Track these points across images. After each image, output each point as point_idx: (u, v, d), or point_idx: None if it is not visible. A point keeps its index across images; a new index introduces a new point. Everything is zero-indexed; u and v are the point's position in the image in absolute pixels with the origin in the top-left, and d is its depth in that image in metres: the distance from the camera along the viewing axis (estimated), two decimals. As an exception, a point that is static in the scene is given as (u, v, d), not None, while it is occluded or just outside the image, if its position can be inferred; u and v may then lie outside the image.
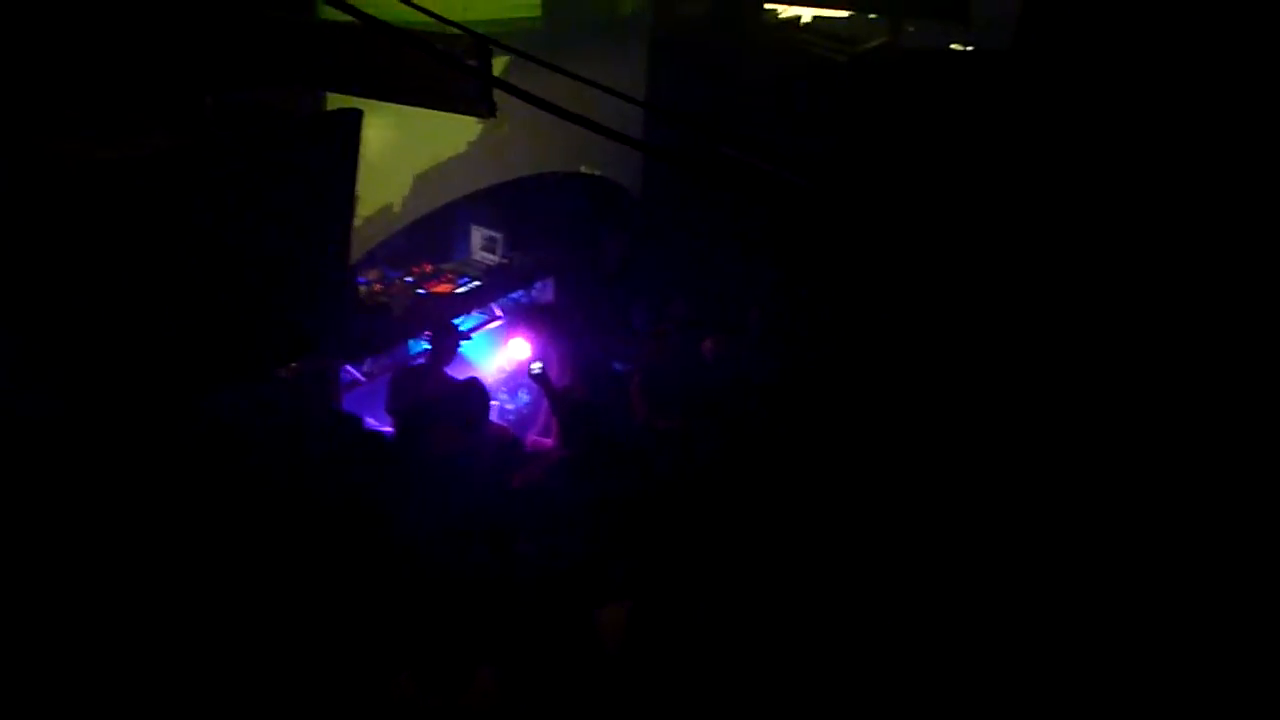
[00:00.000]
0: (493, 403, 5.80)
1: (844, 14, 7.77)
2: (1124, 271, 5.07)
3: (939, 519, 4.47)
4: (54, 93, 3.58)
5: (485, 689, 3.41)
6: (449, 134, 6.06)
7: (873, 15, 7.56)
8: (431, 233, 6.87)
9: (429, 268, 6.97)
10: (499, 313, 7.31)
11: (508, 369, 7.05)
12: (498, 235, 7.15)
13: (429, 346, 6.37)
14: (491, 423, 5.66)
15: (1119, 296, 5.01)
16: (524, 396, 7.23)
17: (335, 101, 4.48)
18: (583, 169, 7.25)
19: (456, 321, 6.56)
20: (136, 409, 4.14)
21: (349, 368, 6.17)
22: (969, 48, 7.28)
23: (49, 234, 3.53)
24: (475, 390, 5.43)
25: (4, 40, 3.49)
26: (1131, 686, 3.52)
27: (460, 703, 3.35)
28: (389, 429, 5.85)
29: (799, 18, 7.87)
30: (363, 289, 6.38)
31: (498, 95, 3.35)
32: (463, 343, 6.40)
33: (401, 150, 5.68)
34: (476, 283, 6.91)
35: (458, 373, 6.08)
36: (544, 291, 7.61)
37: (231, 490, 4.45)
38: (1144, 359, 4.79)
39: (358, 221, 5.29)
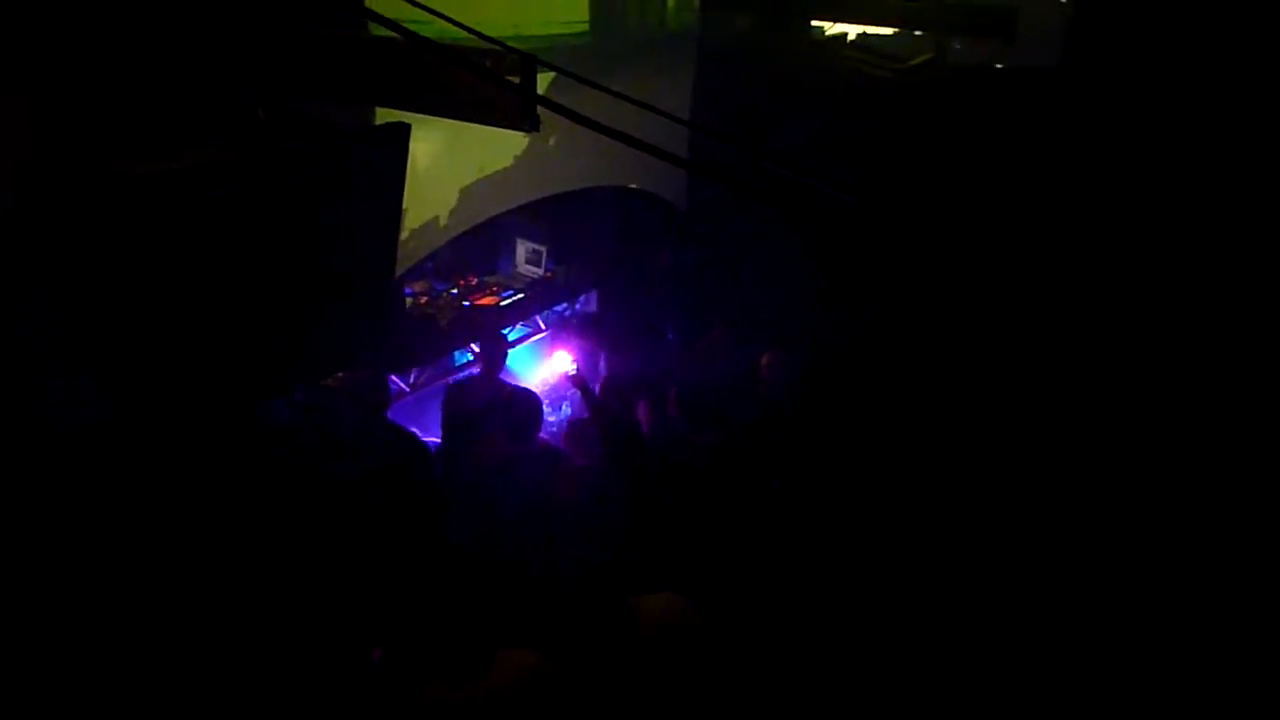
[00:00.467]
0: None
1: (890, 31, 7.76)
2: (1178, 286, 5.01)
3: (982, 533, 4.44)
4: (111, 110, 3.69)
5: (509, 673, 3.39)
6: (494, 148, 6.13)
7: (918, 32, 7.55)
8: (476, 246, 6.95)
9: (474, 280, 7.06)
10: (543, 325, 7.36)
11: (551, 381, 7.11)
12: (542, 249, 7.22)
13: (475, 356, 6.45)
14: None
15: (1175, 310, 4.95)
16: (566, 409, 7.28)
17: (384, 115, 4.58)
18: (627, 183, 7.30)
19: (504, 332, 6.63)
20: (185, 415, 4.24)
21: (394, 378, 6.25)
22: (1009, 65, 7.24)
23: (101, 246, 3.63)
24: (523, 400, 5.44)
25: (64, 59, 3.61)
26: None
27: (482, 688, 3.33)
28: (435, 440, 5.91)
29: (846, 34, 7.87)
30: (408, 301, 6.47)
31: (542, 110, 3.41)
32: (509, 351, 6.46)
33: (448, 164, 5.76)
34: (520, 295, 6.98)
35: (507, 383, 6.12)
36: (588, 304, 7.67)
37: (275, 495, 4.53)
38: (1207, 370, 4.72)
39: (404, 234, 5.37)
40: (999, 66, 6.98)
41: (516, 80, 3.19)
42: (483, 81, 3.24)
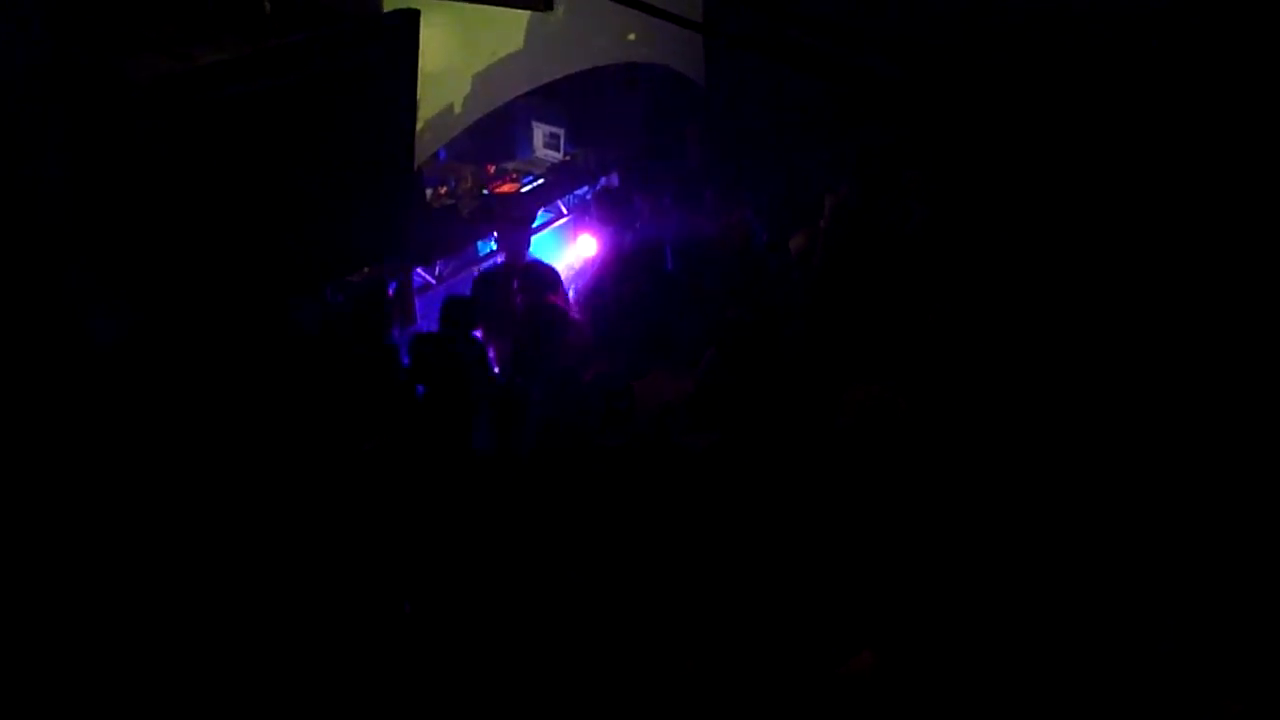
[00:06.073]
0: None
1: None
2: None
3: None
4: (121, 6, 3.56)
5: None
6: (506, 30, 5.93)
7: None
8: (493, 133, 6.80)
9: (492, 168, 6.94)
10: (564, 210, 7.25)
11: (576, 266, 7.03)
12: (559, 131, 7.07)
13: (498, 245, 6.40)
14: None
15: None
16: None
17: (392, 2, 4.40)
18: (641, 60, 7.06)
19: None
20: (214, 319, 4.21)
21: (420, 271, 6.21)
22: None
23: (118, 149, 3.55)
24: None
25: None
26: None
27: None
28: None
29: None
30: (428, 192, 6.38)
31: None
32: (532, 236, 6.44)
33: (459, 49, 5.59)
34: (541, 181, 6.86)
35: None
36: (610, 184, 7.52)
37: (304, 404, 4.44)
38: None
39: (419, 124, 5.24)
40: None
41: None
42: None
